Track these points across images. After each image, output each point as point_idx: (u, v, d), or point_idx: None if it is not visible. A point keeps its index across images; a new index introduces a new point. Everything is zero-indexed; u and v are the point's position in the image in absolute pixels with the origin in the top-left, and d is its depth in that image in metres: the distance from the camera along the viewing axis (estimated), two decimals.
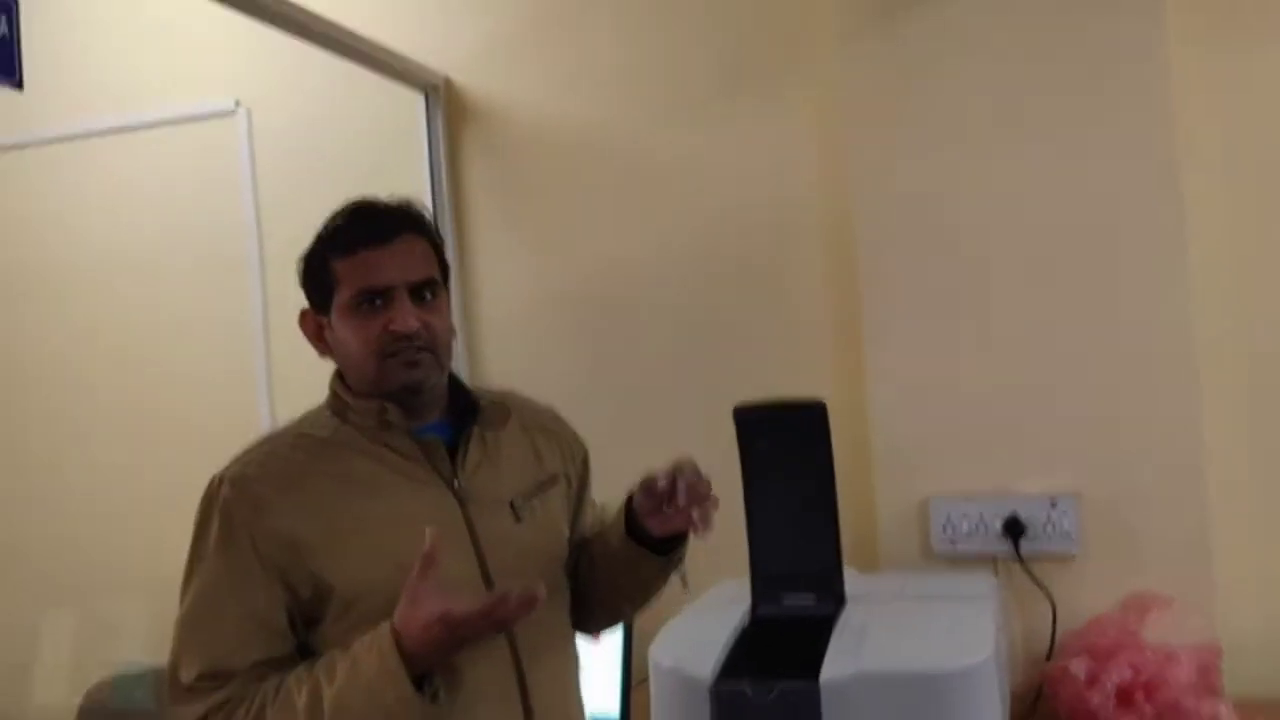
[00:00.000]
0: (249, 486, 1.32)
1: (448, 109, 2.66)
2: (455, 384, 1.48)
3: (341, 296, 1.36)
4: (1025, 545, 2.14)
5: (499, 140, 2.65)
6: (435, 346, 1.38)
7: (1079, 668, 1.94)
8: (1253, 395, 2.16)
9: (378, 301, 1.35)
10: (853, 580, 1.88)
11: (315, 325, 1.43)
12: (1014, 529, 2.14)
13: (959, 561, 2.19)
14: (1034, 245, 2.16)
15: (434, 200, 2.62)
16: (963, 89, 2.20)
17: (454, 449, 1.42)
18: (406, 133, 2.64)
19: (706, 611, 1.88)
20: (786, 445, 1.82)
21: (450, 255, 2.66)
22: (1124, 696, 1.92)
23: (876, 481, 2.26)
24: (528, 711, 1.39)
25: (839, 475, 1.82)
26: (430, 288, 1.39)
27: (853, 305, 2.31)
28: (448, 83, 2.66)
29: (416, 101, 2.63)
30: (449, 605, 1.19)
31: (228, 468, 1.37)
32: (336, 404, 1.42)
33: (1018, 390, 2.17)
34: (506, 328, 2.63)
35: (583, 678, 1.58)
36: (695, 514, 1.33)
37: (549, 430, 1.57)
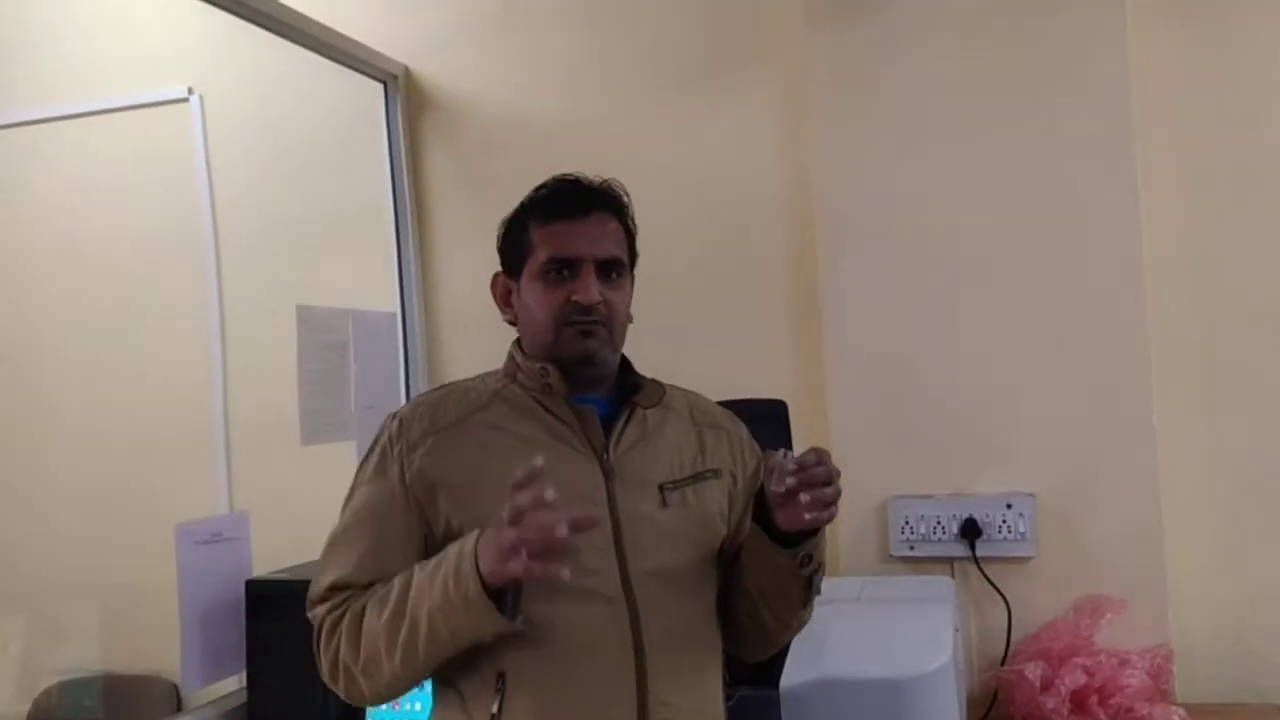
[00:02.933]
0: (411, 425, 1.39)
1: (407, 99, 2.62)
2: (626, 366, 1.49)
3: (533, 262, 1.41)
4: (981, 547, 2.15)
5: (460, 130, 2.62)
6: (612, 323, 1.41)
7: (1034, 672, 1.96)
8: (1208, 400, 2.18)
9: (566, 271, 1.39)
10: None
11: (505, 288, 1.48)
12: (970, 531, 2.15)
13: (917, 563, 2.20)
14: (994, 248, 2.18)
15: (394, 191, 2.59)
16: (927, 82, 2.21)
17: (612, 424, 1.42)
18: (365, 123, 2.60)
19: None
20: None
21: (409, 246, 2.65)
22: (1078, 701, 1.94)
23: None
24: (642, 708, 1.33)
25: None
26: (616, 268, 1.42)
27: (812, 305, 2.31)
28: (407, 72, 2.63)
29: (375, 91, 2.60)
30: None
31: (403, 406, 1.45)
32: (510, 365, 1.46)
33: (976, 391, 2.18)
34: (467, 319, 2.60)
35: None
36: (804, 498, 1.25)
37: (722, 428, 1.53)
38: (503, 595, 1.23)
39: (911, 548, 2.20)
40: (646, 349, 2.40)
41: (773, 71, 2.41)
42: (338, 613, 1.35)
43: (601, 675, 1.32)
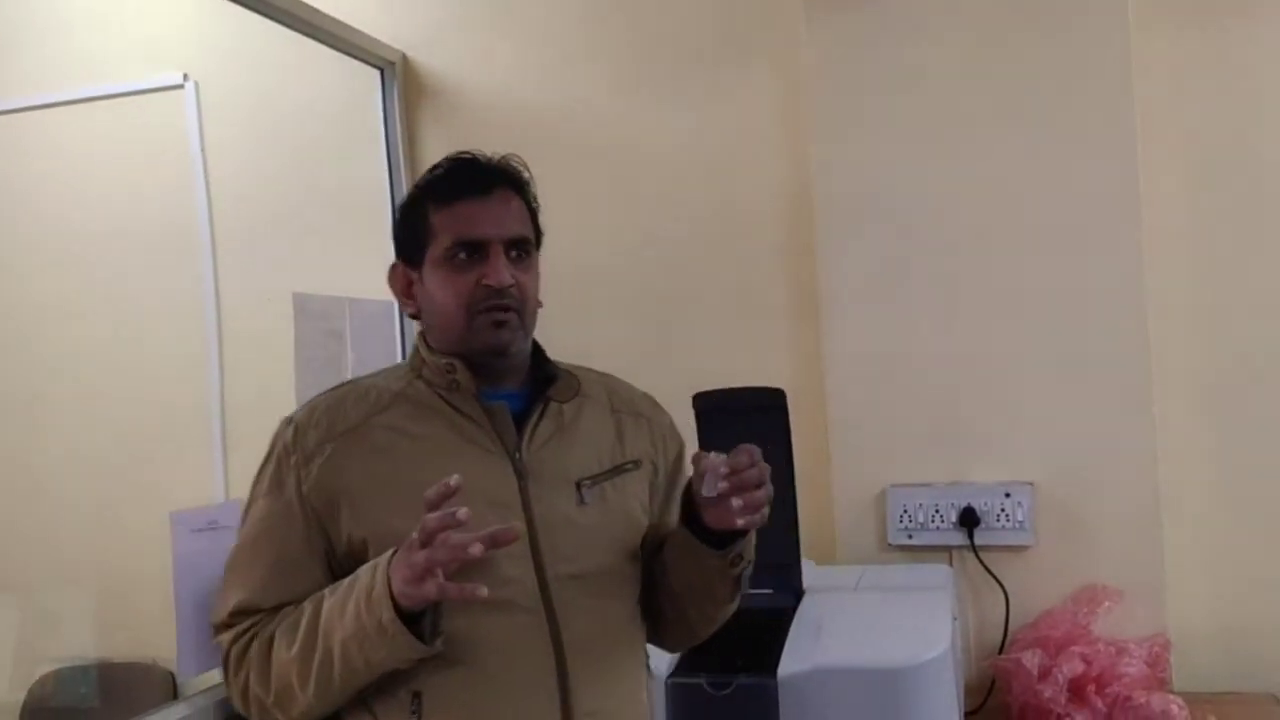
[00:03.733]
0: (306, 433, 1.31)
1: (404, 86, 2.60)
2: (538, 355, 1.42)
3: (436, 248, 1.33)
4: (980, 536, 2.15)
5: (456, 118, 2.61)
6: (523, 308, 1.34)
7: (1031, 660, 1.96)
8: (1207, 389, 2.18)
9: (473, 254, 1.32)
10: (811, 572, 1.88)
11: (405, 279, 1.39)
12: (969, 519, 2.15)
13: (915, 552, 2.20)
14: (991, 238, 2.17)
15: (390, 178, 2.57)
16: (927, 73, 2.19)
17: (525, 420, 1.35)
18: (362, 110, 2.58)
19: None
20: (746, 434, 1.79)
21: None
22: (1076, 689, 1.94)
23: (834, 470, 2.26)
24: (566, 710, 1.28)
25: (797, 465, 1.81)
26: (524, 247, 1.36)
27: (812, 294, 2.30)
28: (404, 59, 2.61)
29: (372, 78, 2.58)
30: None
31: (298, 410, 1.36)
32: (415, 360, 1.39)
33: (975, 380, 2.18)
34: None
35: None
36: (736, 503, 1.20)
37: (641, 415, 1.47)
38: (419, 618, 1.17)
39: (910, 536, 2.19)
40: (645, 336, 2.43)
41: (771, 60, 2.39)
42: (244, 640, 1.28)
43: (522, 690, 1.27)
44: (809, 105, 2.29)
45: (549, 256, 2.48)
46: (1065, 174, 2.12)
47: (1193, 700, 1.93)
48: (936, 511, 2.18)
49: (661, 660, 1.64)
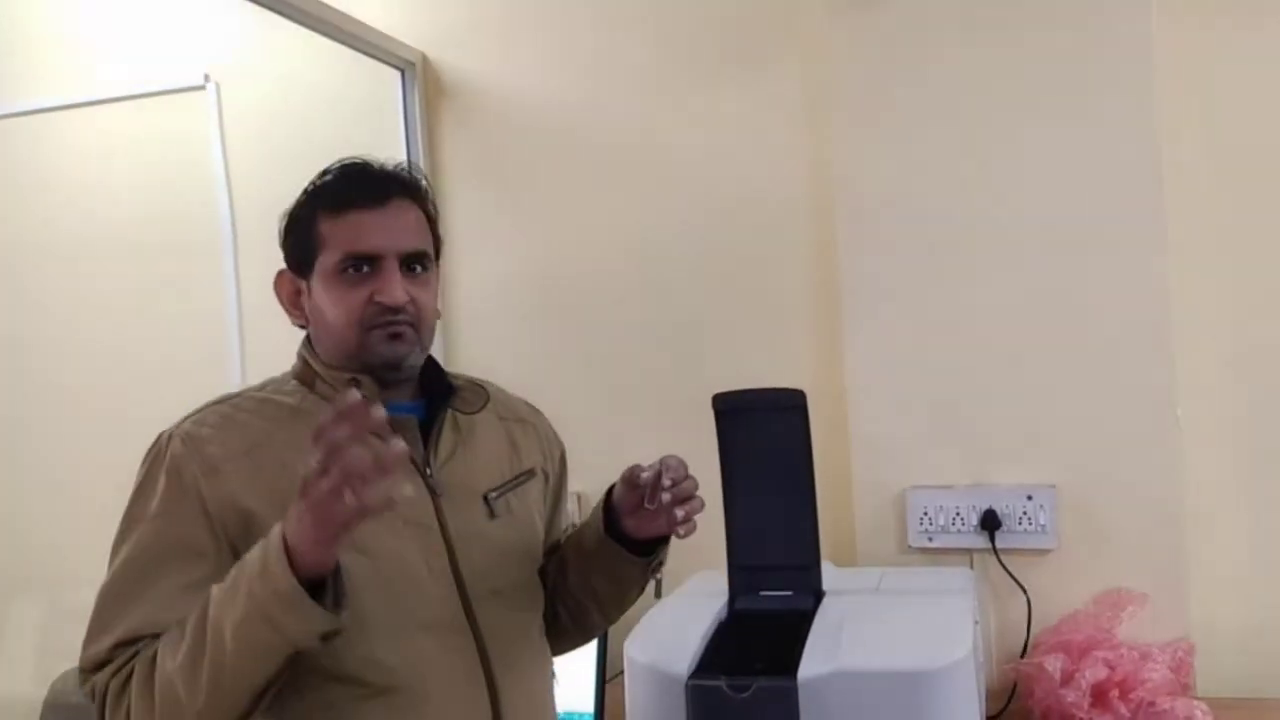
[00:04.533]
0: (203, 446, 1.21)
1: (424, 87, 2.61)
2: (429, 364, 1.38)
3: (326, 260, 1.26)
4: (1001, 539, 2.13)
5: (477, 119, 2.61)
6: (420, 324, 1.28)
7: (1054, 665, 1.94)
8: (1231, 389, 2.15)
9: (365, 268, 1.25)
10: (830, 574, 1.86)
11: (292, 288, 1.32)
12: (990, 522, 2.13)
13: (936, 554, 2.18)
14: (1013, 237, 2.15)
15: None
16: (950, 70, 2.17)
17: (427, 434, 1.32)
18: (382, 111, 2.59)
19: (683, 604, 1.85)
20: (766, 435, 1.79)
21: None
22: (1099, 695, 1.92)
23: (854, 472, 2.24)
24: (496, 715, 1.29)
25: (816, 466, 1.80)
26: (421, 261, 1.30)
27: (832, 294, 2.29)
28: (424, 60, 2.61)
29: (392, 79, 2.59)
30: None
31: (179, 424, 1.26)
32: (305, 373, 1.32)
33: (996, 382, 2.16)
34: (482, 311, 2.58)
35: (556, 689, 1.48)
36: (679, 513, 1.22)
37: (526, 422, 1.48)
38: (319, 591, 1.06)
39: (930, 539, 2.18)
40: (666, 336, 2.43)
41: (793, 59, 2.38)
42: (124, 673, 1.13)
43: (456, 711, 1.25)
44: (831, 104, 2.28)
45: (571, 257, 2.50)
46: (1089, 172, 2.10)
47: (1217, 705, 1.91)
48: (957, 514, 2.17)
49: (681, 663, 1.63)
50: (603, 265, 2.51)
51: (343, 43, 2.41)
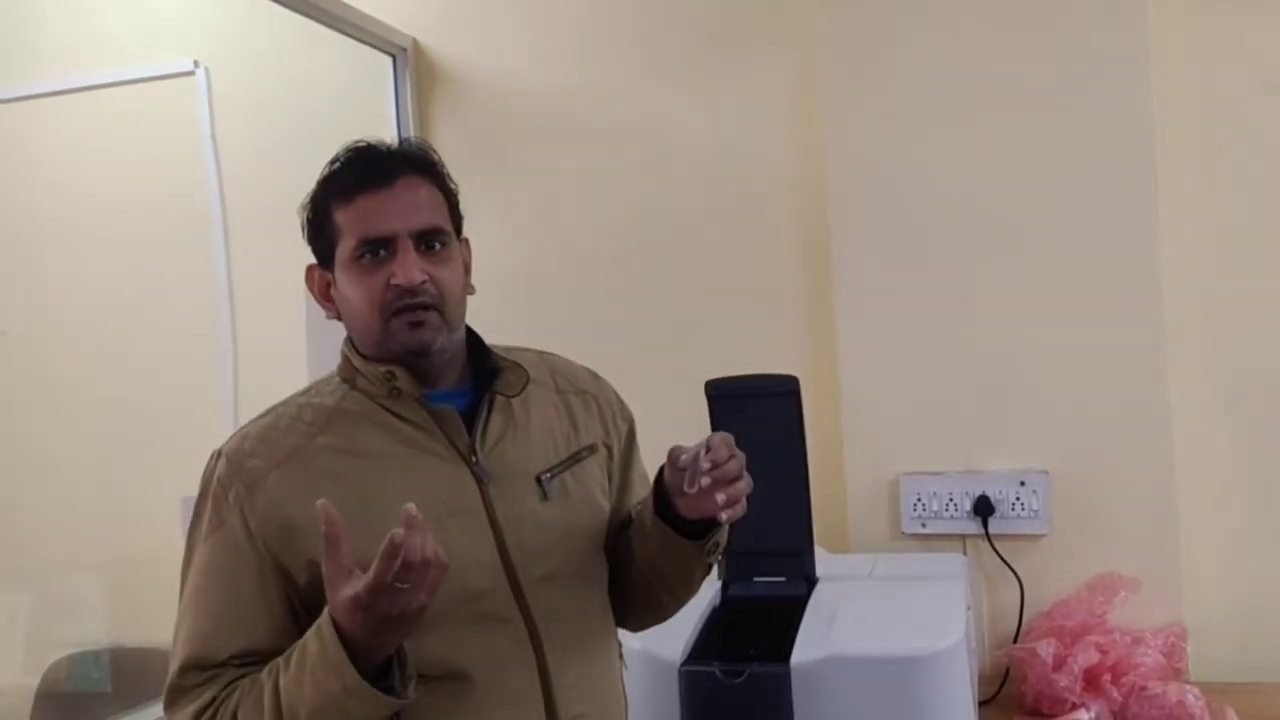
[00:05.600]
0: (243, 462, 1.22)
1: (416, 72, 2.59)
2: (476, 344, 1.35)
3: (343, 248, 1.24)
4: (994, 525, 2.14)
5: (468, 105, 2.59)
6: (443, 303, 1.25)
7: (1046, 650, 1.94)
8: (1223, 376, 2.16)
9: (381, 252, 1.22)
10: (823, 560, 1.87)
11: (322, 282, 1.30)
12: (983, 508, 2.13)
13: (929, 540, 2.18)
14: (1007, 223, 2.15)
15: None
16: (942, 57, 2.17)
17: (474, 419, 1.28)
18: (373, 97, 2.57)
19: None
20: (759, 421, 1.79)
21: None
22: (1091, 679, 1.93)
23: (847, 458, 2.24)
24: (551, 716, 1.25)
25: (809, 452, 1.80)
26: (438, 237, 1.26)
27: (826, 280, 2.29)
28: (415, 45, 2.60)
29: (384, 64, 2.57)
30: (355, 587, 1.05)
31: (227, 441, 1.26)
32: (346, 369, 1.29)
33: (989, 367, 2.16)
34: (472, 296, 2.57)
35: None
36: (720, 497, 1.16)
37: (587, 393, 1.41)
38: (385, 673, 1.09)
39: (923, 525, 2.18)
40: (659, 322, 2.42)
41: (786, 47, 2.37)
42: (206, 717, 1.16)
43: (509, 703, 1.22)
44: (824, 92, 2.27)
45: (562, 242, 2.49)
46: (1081, 161, 2.10)
47: (1209, 690, 1.92)
48: (950, 500, 2.17)
49: (674, 649, 1.63)
50: (594, 250, 2.50)
51: (334, 28, 2.39)
